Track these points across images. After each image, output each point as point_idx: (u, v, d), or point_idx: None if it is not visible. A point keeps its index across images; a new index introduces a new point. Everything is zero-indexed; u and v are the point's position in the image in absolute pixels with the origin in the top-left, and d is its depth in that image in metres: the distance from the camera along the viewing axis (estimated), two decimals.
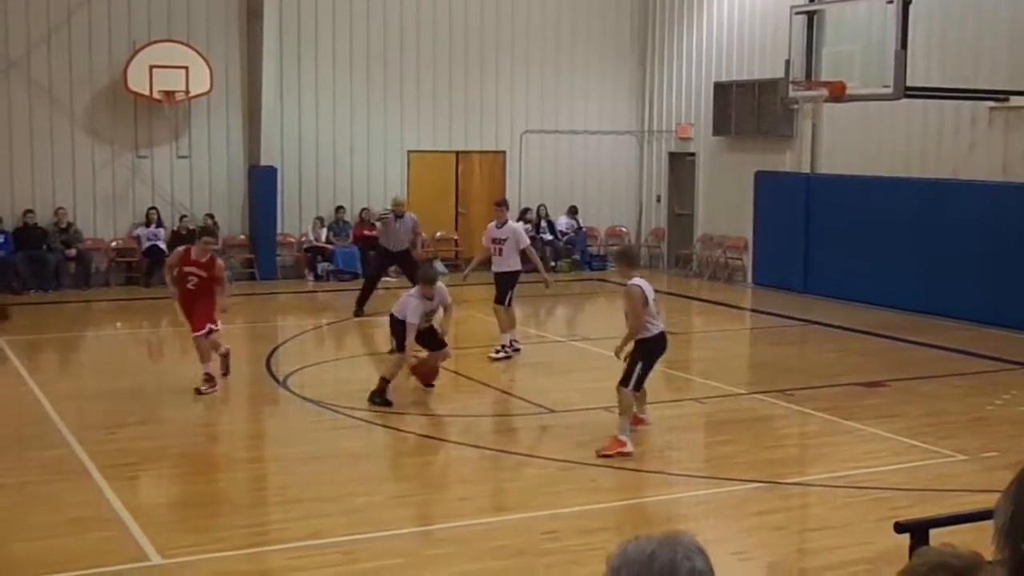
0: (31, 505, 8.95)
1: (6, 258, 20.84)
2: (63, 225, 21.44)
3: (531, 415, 12.18)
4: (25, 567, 7.45)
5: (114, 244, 21.96)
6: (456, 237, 25.36)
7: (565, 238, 25.57)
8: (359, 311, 18.50)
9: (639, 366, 10.35)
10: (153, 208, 22.30)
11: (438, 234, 25.10)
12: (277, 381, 13.80)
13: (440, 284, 12.55)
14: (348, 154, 24.11)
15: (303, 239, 23.67)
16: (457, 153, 25.30)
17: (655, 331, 10.39)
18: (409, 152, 24.70)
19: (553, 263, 25.00)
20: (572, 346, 16.92)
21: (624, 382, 10.35)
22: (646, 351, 10.40)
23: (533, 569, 7.60)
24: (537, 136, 25.57)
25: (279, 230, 23.42)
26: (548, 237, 25.30)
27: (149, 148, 22.43)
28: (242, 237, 23.30)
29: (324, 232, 23.67)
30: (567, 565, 7.66)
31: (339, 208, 23.95)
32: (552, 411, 12.26)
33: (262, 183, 23.06)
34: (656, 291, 10.82)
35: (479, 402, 13.15)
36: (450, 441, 10.95)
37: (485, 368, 14.98)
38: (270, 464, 10.70)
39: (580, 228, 25.83)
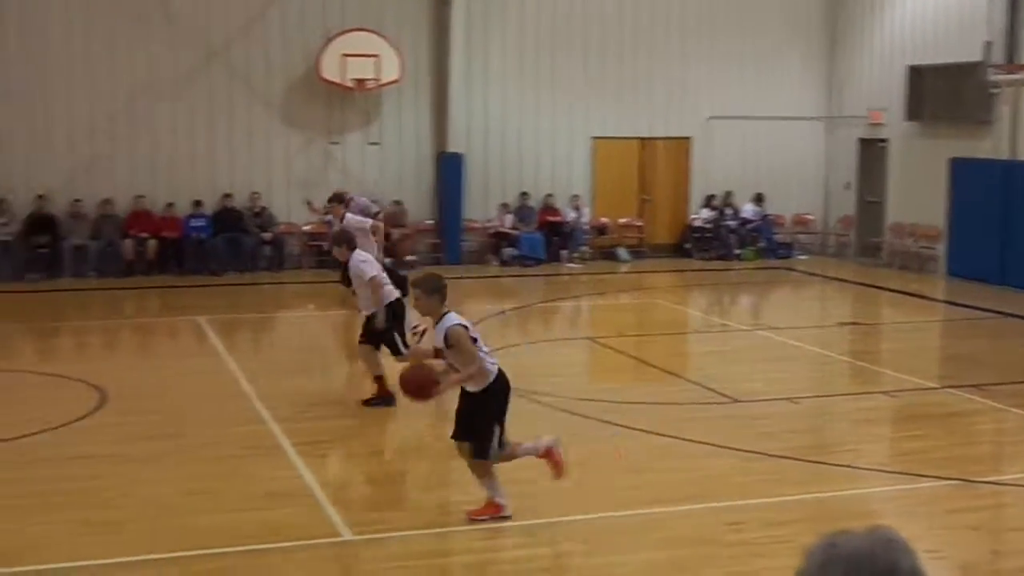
0: (228, 479, 9.32)
1: (206, 241, 21.74)
2: (256, 209, 22.24)
3: (714, 404, 12.08)
4: (220, 538, 7.76)
5: (306, 228, 22.61)
6: (640, 224, 25.28)
7: (750, 226, 25.22)
8: None
9: (496, 426, 7.96)
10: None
11: (621, 221, 25.07)
12: None
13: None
14: (533, 140, 24.27)
15: (488, 225, 23.95)
16: (642, 140, 25.20)
17: (496, 370, 8.05)
18: (593, 139, 24.72)
19: (737, 251, 24.72)
20: (756, 335, 16.70)
21: (479, 453, 7.96)
22: (494, 398, 8.01)
23: (716, 559, 7.56)
24: (723, 122, 25.26)
25: (465, 216, 23.76)
26: (733, 224, 25.01)
27: (341, 135, 23.02)
28: (429, 222, 23.71)
29: (509, 218, 23.90)
30: (750, 557, 7.59)
31: (524, 194, 24.15)
32: (736, 400, 12.14)
33: (449, 169, 23.42)
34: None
35: (661, 389, 13.11)
36: (633, 428, 10.95)
37: (668, 355, 14.91)
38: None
39: (766, 216, 25.44)
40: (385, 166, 23.39)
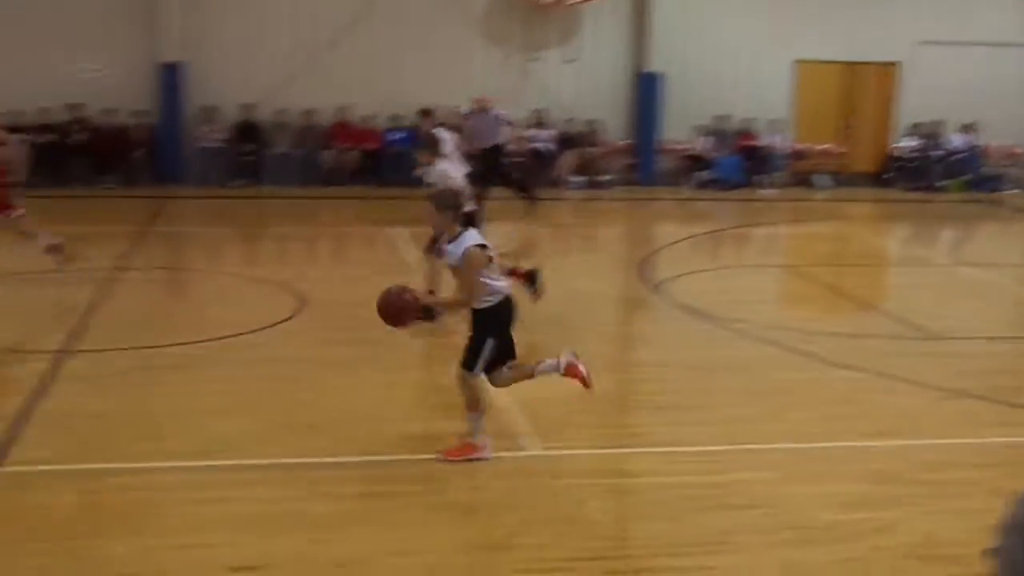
0: (419, 389, 9.54)
1: (404, 153, 22.08)
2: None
3: (910, 339, 11.75)
4: (404, 446, 7.95)
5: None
6: (841, 151, 24.60)
7: (957, 157, 24.25)
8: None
9: (489, 341, 7.74)
10: (540, 110, 22.90)
11: (821, 147, 24.45)
12: (651, 287, 13.97)
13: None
14: (733, 62, 23.78)
15: (684, 147, 23.65)
16: (846, 64, 24.43)
17: (505, 292, 7.83)
18: (796, 61, 24.07)
19: (942, 182, 23.84)
20: (957, 271, 16.13)
21: (465, 363, 7.75)
22: (495, 317, 7.80)
23: (907, 498, 7.40)
24: (933, 47, 24.25)
25: (661, 137, 23.51)
26: (939, 154, 24.10)
27: (539, 51, 22.98)
28: (625, 142, 23.55)
29: (705, 140, 23.55)
30: (944, 498, 7.40)
31: (722, 117, 23.74)
32: (933, 337, 11.78)
33: (647, 90, 23.18)
34: None
35: (856, 322, 12.81)
36: (828, 361, 10.75)
37: (864, 287, 14.55)
38: (645, 369, 10.89)
39: (975, 146, 24.42)
40: (582, 84, 23.27)
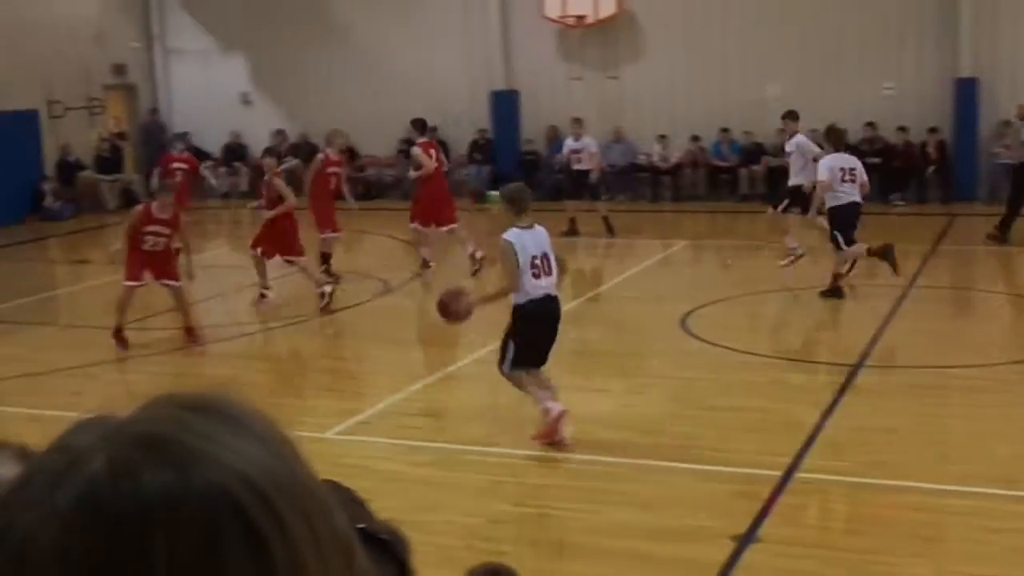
0: None
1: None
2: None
3: None
4: None
5: None
6: None
7: None
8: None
9: (512, 343, 8.28)
10: None
11: None
12: None
13: None
14: None
15: None
16: None
17: (534, 295, 8.21)
18: None
19: None
20: None
21: (499, 362, 8.46)
22: (522, 321, 8.29)
23: None
24: None
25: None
26: None
27: None
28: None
29: None
30: None
31: None
32: None
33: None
34: None
35: None
36: None
37: None
38: None
39: None
40: None
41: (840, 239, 13.31)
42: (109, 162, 23.81)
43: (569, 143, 19.17)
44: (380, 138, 23.97)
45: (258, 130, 24.78)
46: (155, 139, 25.85)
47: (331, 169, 15.72)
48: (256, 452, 0.87)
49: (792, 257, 14.85)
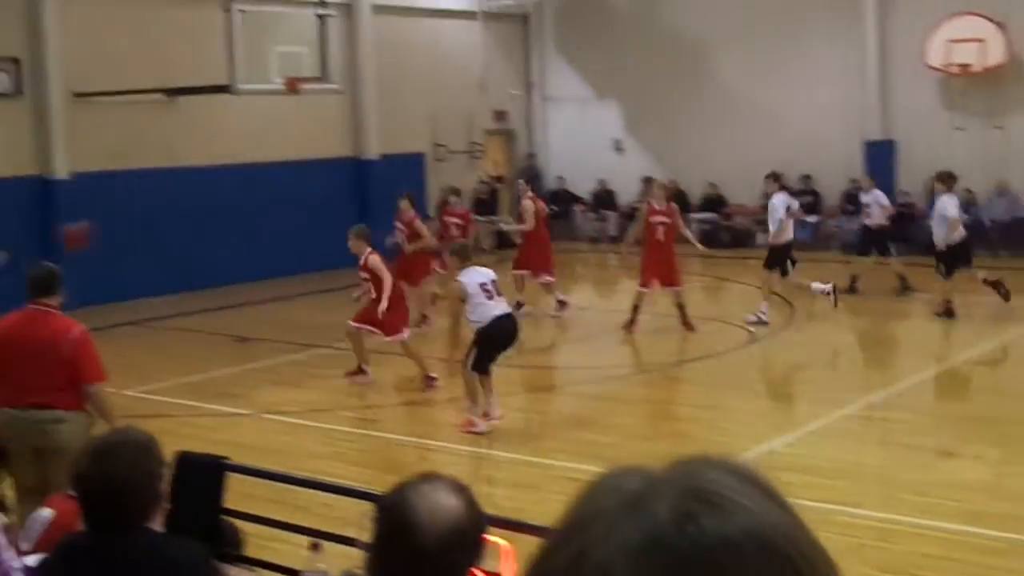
0: None
1: None
2: None
3: None
4: None
5: None
6: None
7: None
8: None
9: (475, 349, 10.80)
10: None
11: None
12: None
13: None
14: None
15: None
16: None
17: (486, 320, 10.68)
18: None
19: None
20: None
21: (464, 361, 10.96)
22: (481, 339, 10.81)
23: None
24: None
25: None
26: None
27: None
28: None
29: None
30: None
31: None
32: None
33: None
34: None
35: None
36: None
37: None
38: None
39: None
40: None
41: None
42: (486, 204, 24.85)
43: (862, 197, 18.75)
44: (747, 186, 23.84)
45: (627, 176, 25.23)
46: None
47: (657, 219, 15.58)
48: (779, 510, 1.00)
49: None
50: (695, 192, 24.87)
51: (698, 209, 24.64)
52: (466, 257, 11.23)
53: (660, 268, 15.31)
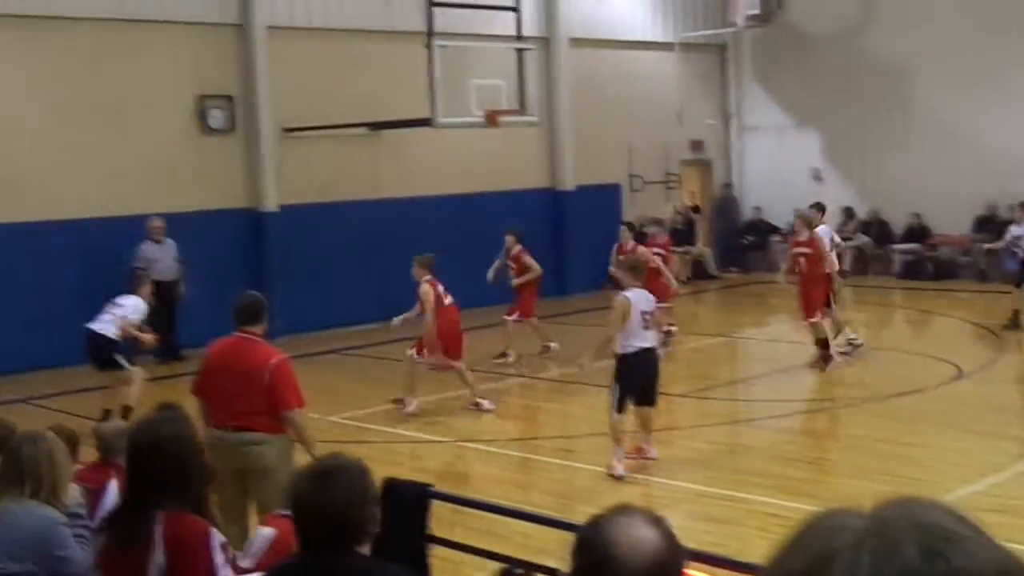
0: None
1: None
2: None
3: None
4: None
5: None
6: None
7: None
8: None
9: (616, 386, 10.41)
10: None
11: None
12: None
13: None
14: None
15: None
16: None
17: (632, 348, 10.29)
18: None
19: None
20: None
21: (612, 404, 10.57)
22: (622, 370, 10.42)
23: None
24: None
25: None
26: None
27: None
28: None
29: None
30: None
31: None
32: None
33: None
34: None
35: None
36: None
37: None
38: None
39: None
40: None
41: None
42: (682, 234, 24.70)
43: (1012, 229, 18.11)
44: (953, 216, 23.08)
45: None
46: (729, 214, 26.60)
47: (797, 250, 15.49)
48: (1002, 547, 1.10)
49: None
50: (898, 222, 24.22)
51: (901, 240, 23.99)
52: (639, 274, 10.86)
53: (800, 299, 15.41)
